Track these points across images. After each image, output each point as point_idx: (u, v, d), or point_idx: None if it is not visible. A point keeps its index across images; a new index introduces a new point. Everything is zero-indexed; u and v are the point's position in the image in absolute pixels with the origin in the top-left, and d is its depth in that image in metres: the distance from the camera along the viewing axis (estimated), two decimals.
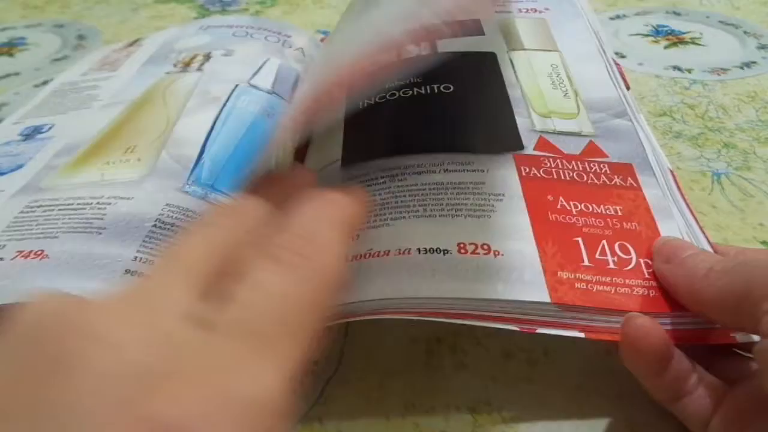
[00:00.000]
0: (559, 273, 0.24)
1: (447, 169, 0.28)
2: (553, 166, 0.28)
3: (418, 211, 0.26)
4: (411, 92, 0.33)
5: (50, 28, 0.68)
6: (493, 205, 0.26)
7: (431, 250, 0.25)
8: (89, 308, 0.14)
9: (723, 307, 0.21)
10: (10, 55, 0.62)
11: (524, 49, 0.37)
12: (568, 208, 0.26)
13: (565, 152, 0.29)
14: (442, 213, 0.26)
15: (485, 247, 0.25)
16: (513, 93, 0.33)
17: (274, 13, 0.69)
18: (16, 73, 0.58)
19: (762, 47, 0.54)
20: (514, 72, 0.35)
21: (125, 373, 0.13)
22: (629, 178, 0.28)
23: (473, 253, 0.24)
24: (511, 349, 0.28)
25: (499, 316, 0.23)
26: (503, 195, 0.27)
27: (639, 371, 0.23)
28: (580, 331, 0.23)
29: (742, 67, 0.51)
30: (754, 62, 0.52)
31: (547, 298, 0.23)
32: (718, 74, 0.50)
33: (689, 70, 0.51)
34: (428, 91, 0.33)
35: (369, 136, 0.32)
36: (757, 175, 0.39)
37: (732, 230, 0.34)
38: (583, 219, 0.26)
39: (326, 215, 0.18)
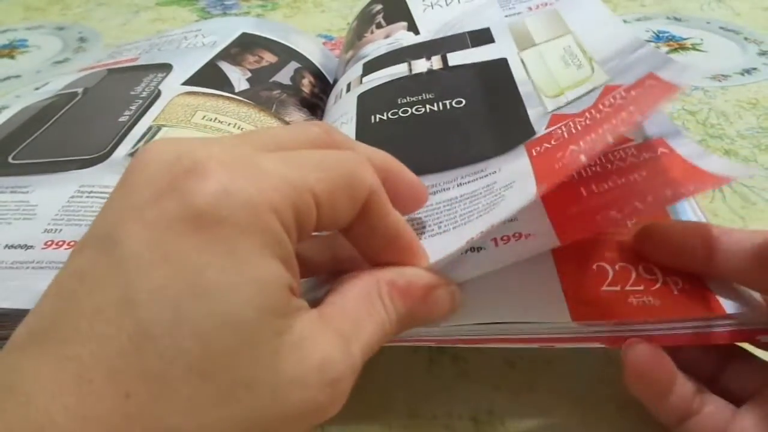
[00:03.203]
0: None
1: (460, 183, 0.28)
2: (564, 130, 0.27)
3: (433, 230, 0.26)
4: (424, 109, 0.33)
5: (51, 30, 0.68)
6: (503, 195, 0.26)
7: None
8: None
9: (746, 261, 0.21)
10: (11, 57, 0.62)
11: (534, 45, 0.36)
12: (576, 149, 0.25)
13: (578, 112, 0.28)
14: (455, 225, 0.26)
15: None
16: (525, 89, 0.33)
17: (275, 17, 0.69)
18: (17, 76, 0.58)
19: (763, 53, 0.55)
20: (526, 70, 0.34)
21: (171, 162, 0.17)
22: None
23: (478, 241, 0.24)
24: (513, 358, 0.28)
25: (520, 338, 0.23)
26: (514, 182, 0.26)
27: (643, 396, 0.23)
28: (601, 342, 0.23)
29: (742, 74, 0.51)
30: (755, 68, 0.52)
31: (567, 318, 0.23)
32: (719, 80, 0.50)
33: None
34: (440, 107, 0.33)
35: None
36: (758, 182, 0.39)
37: None
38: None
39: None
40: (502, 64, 0.35)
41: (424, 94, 0.34)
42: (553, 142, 0.27)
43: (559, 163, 0.24)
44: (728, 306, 0.23)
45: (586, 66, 0.32)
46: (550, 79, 0.33)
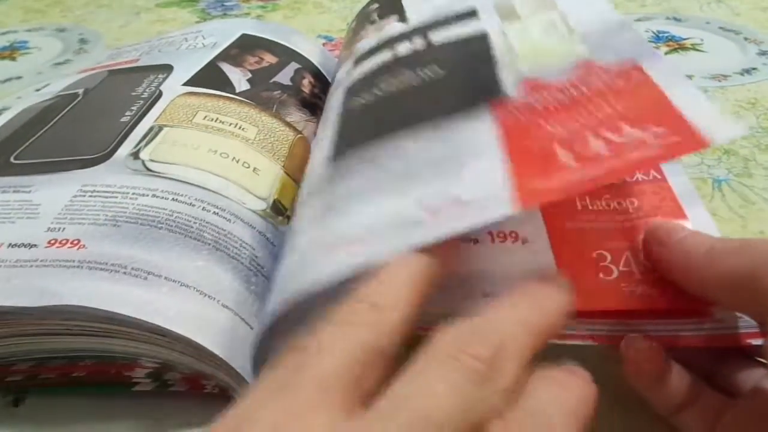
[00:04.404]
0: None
1: (416, 140, 0.26)
2: (538, 101, 0.25)
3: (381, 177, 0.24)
4: (397, 82, 0.32)
5: (52, 32, 0.68)
6: (465, 162, 0.24)
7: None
8: None
9: (725, 288, 0.21)
10: (12, 58, 0.62)
11: (519, 18, 0.36)
12: (551, 129, 0.23)
13: (554, 81, 0.26)
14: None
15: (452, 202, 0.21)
16: (502, 58, 0.31)
17: (275, 18, 0.69)
18: (18, 77, 0.58)
19: (762, 53, 0.55)
20: (507, 41, 0.33)
21: None
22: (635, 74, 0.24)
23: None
24: None
25: None
26: (477, 149, 0.24)
27: (640, 385, 0.23)
28: (594, 341, 0.23)
29: (742, 74, 0.52)
30: (755, 68, 0.52)
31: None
32: (719, 80, 0.50)
33: (690, 77, 0.51)
34: (417, 78, 0.32)
35: (354, 129, 0.31)
36: (757, 182, 0.39)
37: (733, 237, 0.35)
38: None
39: (561, 403, 0.18)
40: (481, 36, 0.35)
41: (402, 70, 0.34)
42: (522, 118, 0.24)
43: (534, 143, 0.22)
44: (717, 309, 0.23)
45: (567, 38, 0.31)
46: (530, 48, 0.31)
